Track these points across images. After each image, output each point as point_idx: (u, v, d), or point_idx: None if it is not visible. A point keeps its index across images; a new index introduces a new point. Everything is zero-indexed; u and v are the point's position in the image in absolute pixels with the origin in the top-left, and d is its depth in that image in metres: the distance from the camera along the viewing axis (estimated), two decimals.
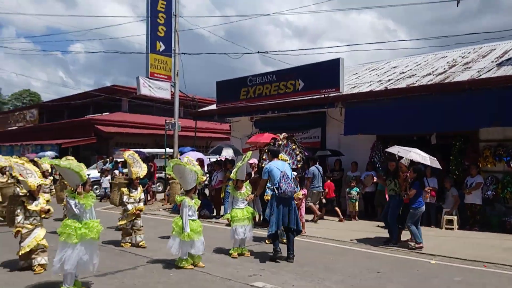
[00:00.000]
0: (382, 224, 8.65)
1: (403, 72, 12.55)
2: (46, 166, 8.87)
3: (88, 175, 11.01)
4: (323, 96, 11.80)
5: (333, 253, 6.99)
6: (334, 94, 11.54)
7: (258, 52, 14.09)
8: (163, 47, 15.15)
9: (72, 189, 4.68)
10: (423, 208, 7.43)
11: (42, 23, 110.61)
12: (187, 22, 70.05)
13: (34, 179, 5.61)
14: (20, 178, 5.65)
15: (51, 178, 9.83)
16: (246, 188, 6.89)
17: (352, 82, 13.12)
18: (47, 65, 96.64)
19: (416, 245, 7.14)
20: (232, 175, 6.95)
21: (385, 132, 10.73)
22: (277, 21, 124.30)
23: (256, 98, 13.72)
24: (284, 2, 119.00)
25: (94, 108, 29.69)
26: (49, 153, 18.76)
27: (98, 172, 16.52)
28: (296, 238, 7.93)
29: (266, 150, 7.88)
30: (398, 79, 11.67)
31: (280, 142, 8.18)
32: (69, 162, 4.75)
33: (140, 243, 7.16)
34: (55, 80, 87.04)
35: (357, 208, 10.48)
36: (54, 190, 9.03)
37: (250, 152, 7.18)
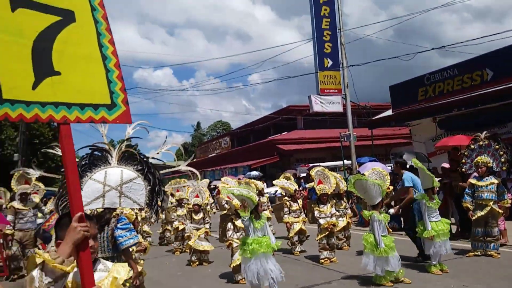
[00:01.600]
0: None
1: None
2: (260, 184, 9.83)
3: (275, 192, 11.79)
4: None
5: None
6: None
7: (432, 49, 12.95)
8: (330, 63, 15.51)
9: (248, 210, 5.23)
10: None
11: (225, 62, 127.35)
12: (353, 32, 69.64)
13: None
14: (227, 199, 6.69)
15: (267, 195, 10.70)
16: (436, 198, 6.37)
17: None
18: (232, 97, 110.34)
19: None
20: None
21: None
22: (452, 7, 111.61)
23: (437, 97, 12.60)
24: None
25: (274, 129, 32.25)
26: (253, 173, 20.99)
27: None
28: (503, 249, 6.96)
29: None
30: None
31: (481, 143, 7.30)
32: (240, 190, 5.33)
33: (332, 259, 7.34)
34: (240, 109, 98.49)
35: None
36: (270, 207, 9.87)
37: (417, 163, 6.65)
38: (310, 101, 15.69)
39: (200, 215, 8.35)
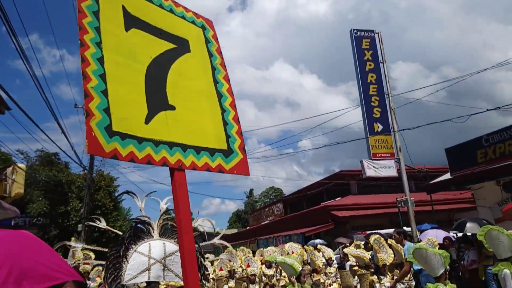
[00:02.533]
0: None
1: None
2: (328, 252, 9.48)
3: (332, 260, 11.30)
4: None
5: None
6: None
7: (487, 110, 12.61)
8: (381, 127, 15.47)
9: (298, 285, 5.13)
10: None
11: (275, 129, 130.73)
12: (402, 97, 69.52)
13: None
14: None
15: (335, 266, 10.19)
16: None
17: None
18: (283, 162, 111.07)
19: None
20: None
21: None
22: (508, 66, 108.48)
23: (499, 159, 11.97)
24: (510, 43, 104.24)
25: (327, 195, 31.67)
26: (317, 241, 20.41)
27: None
28: None
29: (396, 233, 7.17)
30: None
31: None
32: (284, 257, 5.29)
33: None
34: (292, 174, 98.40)
35: None
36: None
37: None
38: (363, 166, 15.49)
39: (256, 286, 8.22)
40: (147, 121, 1.52)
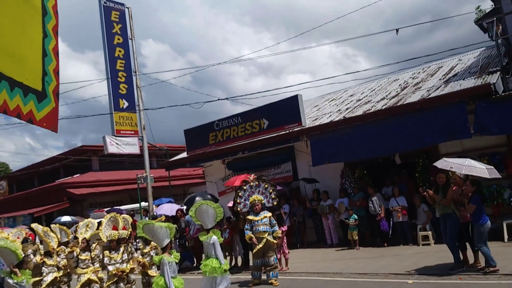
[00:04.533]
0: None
1: (359, 100, 13.12)
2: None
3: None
4: (287, 131, 12.15)
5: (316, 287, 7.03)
6: (298, 129, 11.91)
7: (218, 100, 14.45)
8: (126, 104, 15.28)
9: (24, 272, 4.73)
10: (489, 223, 6.54)
11: None
12: (151, 72, 70.93)
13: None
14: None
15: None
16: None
17: (314, 115, 13.58)
18: (12, 133, 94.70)
19: (491, 269, 6.27)
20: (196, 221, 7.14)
21: (350, 159, 11.05)
22: (241, 61, 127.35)
23: (225, 141, 13.95)
24: (243, 43, 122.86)
25: (64, 172, 29.11)
26: (65, 218, 17.86)
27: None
28: (280, 276, 8.04)
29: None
30: (355, 107, 12.19)
31: (252, 183, 8.34)
32: (5, 241, 4.76)
33: None
34: (23, 147, 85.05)
35: (356, 236, 10.12)
36: None
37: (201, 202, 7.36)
38: (105, 142, 14.95)
39: None
40: None
